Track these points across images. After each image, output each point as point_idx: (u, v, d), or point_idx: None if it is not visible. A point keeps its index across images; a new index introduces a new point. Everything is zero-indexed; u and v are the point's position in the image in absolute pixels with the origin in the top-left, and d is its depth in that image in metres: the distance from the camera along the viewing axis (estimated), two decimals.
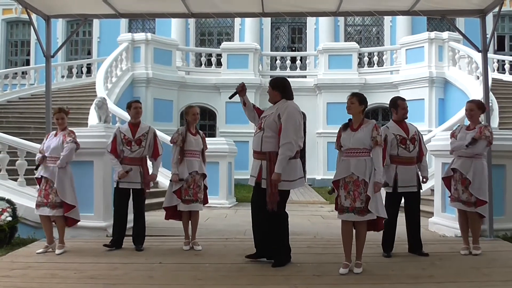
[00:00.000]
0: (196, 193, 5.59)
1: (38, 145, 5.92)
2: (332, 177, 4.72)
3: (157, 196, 9.64)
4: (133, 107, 5.66)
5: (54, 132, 5.68)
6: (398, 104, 5.33)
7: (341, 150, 4.67)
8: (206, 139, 5.93)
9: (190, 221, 5.68)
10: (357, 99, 4.64)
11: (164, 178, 10.16)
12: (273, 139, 4.63)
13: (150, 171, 5.73)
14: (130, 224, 5.82)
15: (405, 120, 5.37)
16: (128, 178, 5.49)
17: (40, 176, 5.48)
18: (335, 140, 4.82)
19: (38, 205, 5.46)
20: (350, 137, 4.54)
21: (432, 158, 7.65)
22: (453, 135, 5.52)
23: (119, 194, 5.61)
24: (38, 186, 5.54)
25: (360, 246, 4.58)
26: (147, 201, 5.92)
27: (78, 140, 5.55)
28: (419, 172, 5.30)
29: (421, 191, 5.38)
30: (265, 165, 4.62)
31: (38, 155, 5.61)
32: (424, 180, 5.36)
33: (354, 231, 4.63)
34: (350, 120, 4.68)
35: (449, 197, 5.56)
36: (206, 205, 5.88)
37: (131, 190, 5.59)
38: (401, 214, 5.31)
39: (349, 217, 4.50)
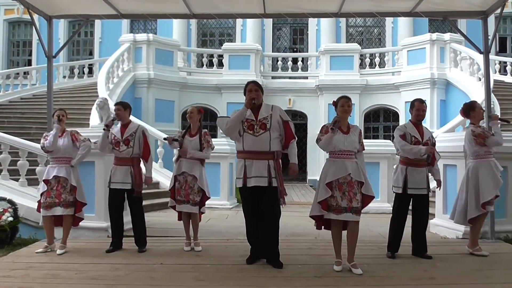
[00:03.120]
0: (188, 194, 5.51)
1: (39, 146, 5.88)
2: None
3: (159, 197, 9.64)
4: (115, 109, 5.68)
5: (54, 132, 5.51)
6: (414, 105, 5.30)
7: (325, 147, 4.65)
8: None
9: (190, 222, 5.68)
10: (351, 102, 4.77)
11: (165, 178, 10.17)
12: (279, 139, 4.82)
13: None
14: (127, 225, 5.83)
15: (422, 123, 5.34)
16: (118, 179, 5.48)
17: (51, 177, 5.45)
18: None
19: (49, 206, 5.42)
20: (344, 140, 4.62)
21: None
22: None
23: (111, 195, 5.58)
24: (45, 187, 5.47)
25: (353, 245, 4.62)
26: (148, 202, 5.91)
27: None
28: (430, 175, 5.27)
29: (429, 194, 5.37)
30: (272, 164, 4.74)
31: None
32: (438, 183, 5.39)
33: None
34: (336, 122, 4.57)
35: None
36: (206, 206, 5.86)
37: (125, 191, 5.55)
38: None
39: (347, 217, 4.54)
